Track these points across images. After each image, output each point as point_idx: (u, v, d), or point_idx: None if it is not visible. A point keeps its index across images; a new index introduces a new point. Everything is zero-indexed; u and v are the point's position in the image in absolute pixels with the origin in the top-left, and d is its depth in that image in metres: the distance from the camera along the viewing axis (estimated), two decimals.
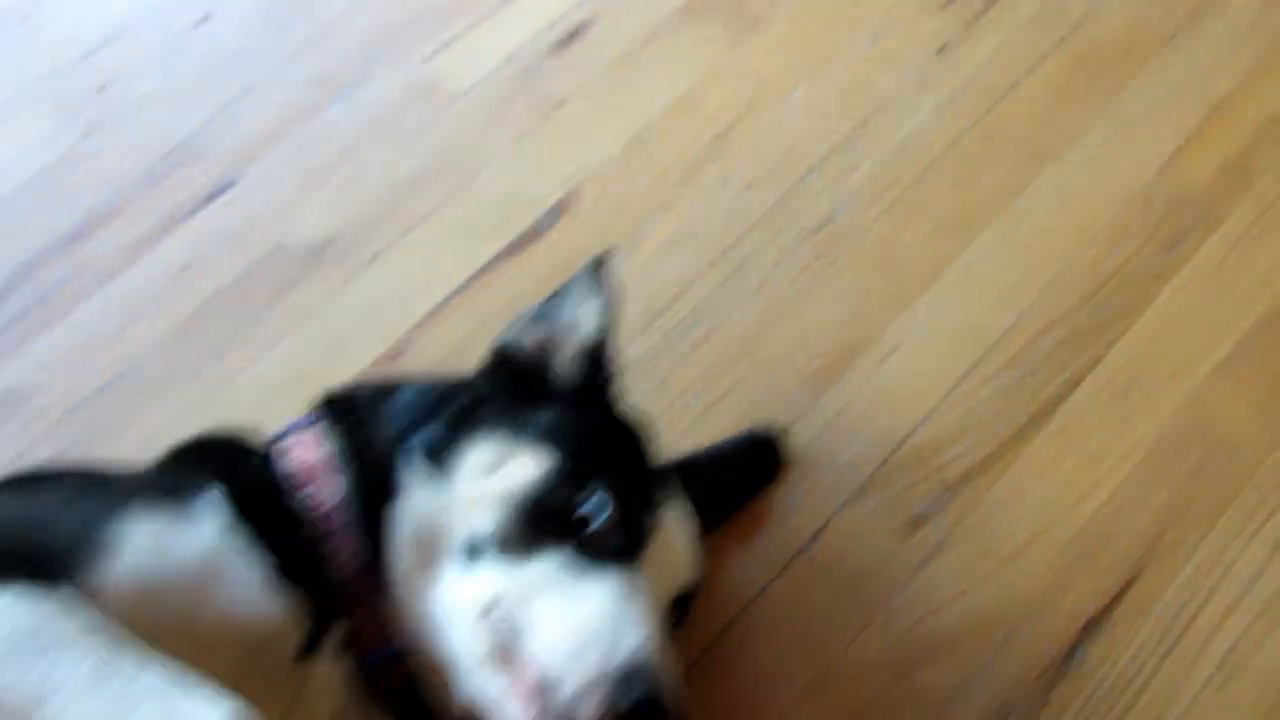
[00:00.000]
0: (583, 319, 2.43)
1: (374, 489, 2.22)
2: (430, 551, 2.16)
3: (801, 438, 2.85)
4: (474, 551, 2.13)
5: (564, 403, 2.34)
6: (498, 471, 2.18)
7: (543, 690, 2.00)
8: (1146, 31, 3.49)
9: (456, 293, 3.04)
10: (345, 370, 2.81)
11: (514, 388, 2.37)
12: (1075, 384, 2.93)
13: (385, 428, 2.31)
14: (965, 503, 2.78)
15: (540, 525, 2.12)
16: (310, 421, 2.34)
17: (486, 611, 2.08)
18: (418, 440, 2.25)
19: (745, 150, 3.31)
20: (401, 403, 2.36)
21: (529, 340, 2.43)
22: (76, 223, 3.14)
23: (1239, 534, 2.76)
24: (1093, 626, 2.64)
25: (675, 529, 2.28)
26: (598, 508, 2.13)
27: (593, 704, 1.97)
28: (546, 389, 2.39)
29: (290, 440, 2.29)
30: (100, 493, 2.08)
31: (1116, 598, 2.67)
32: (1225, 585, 2.70)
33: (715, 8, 3.54)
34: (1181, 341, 3.01)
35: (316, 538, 2.17)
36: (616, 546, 2.13)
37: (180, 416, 2.79)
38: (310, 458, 2.25)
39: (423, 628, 2.15)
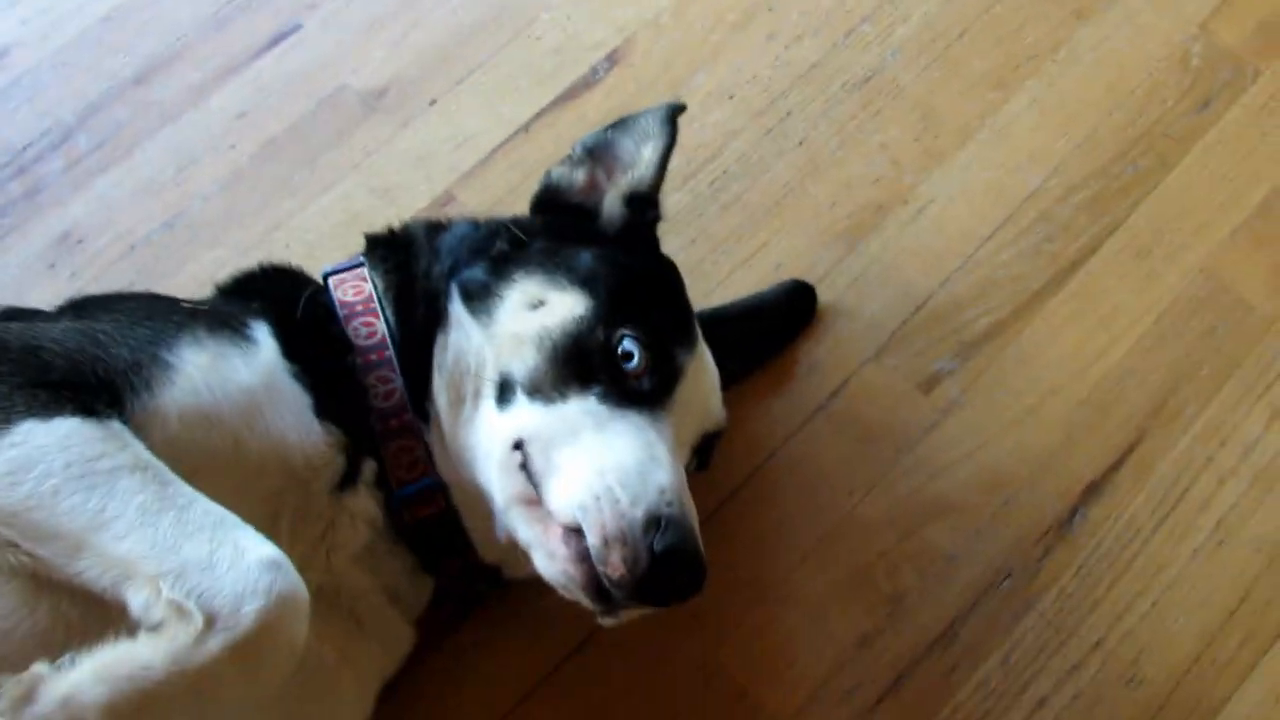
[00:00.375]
0: (640, 159, 2.40)
1: (419, 325, 2.24)
2: (466, 388, 2.17)
3: (829, 293, 2.83)
4: (505, 392, 2.13)
5: (607, 244, 2.32)
6: (534, 312, 2.17)
7: (573, 536, 2.01)
8: None
9: (506, 142, 3.02)
10: (392, 216, 2.71)
11: (560, 227, 2.36)
12: (1096, 246, 2.90)
13: (434, 263, 2.31)
14: (981, 362, 2.77)
15: (570, 367, 2.11)
16: (362, 258, 2.35)
17: (516, 451, 2.08)
18: (461, 278, 2.25)
19: (795, 1, 3.24)
20: (450, 239, 2.35)
21: (580, 178, 2.41)
22: (140, 66, 3.10)
23: (1240, 402, 2.75)
24: (1094, 490, 2.65)
25: (702, 374, 2.27)
26: (628, 351, 2.11)
27: (621, 553, 1.97)
28: (592, 229, 2.37)
29: (342, 275, 2.29)
30: (158, 319, 2.08)
31: (1119, 461, 2.68)
32: (1222, 454, 2.69)
33: None
34: (1204, 203, 2.97)
35: (360, 369, 2.18)
36: (645, 390, 2.12)
37: (235, 259, 2.76)
38: (359, 292, 2.26)
39: (460, 463, 2.17)
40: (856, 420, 2.71)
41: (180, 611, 1.73)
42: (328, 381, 2.14)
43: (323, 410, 2.11)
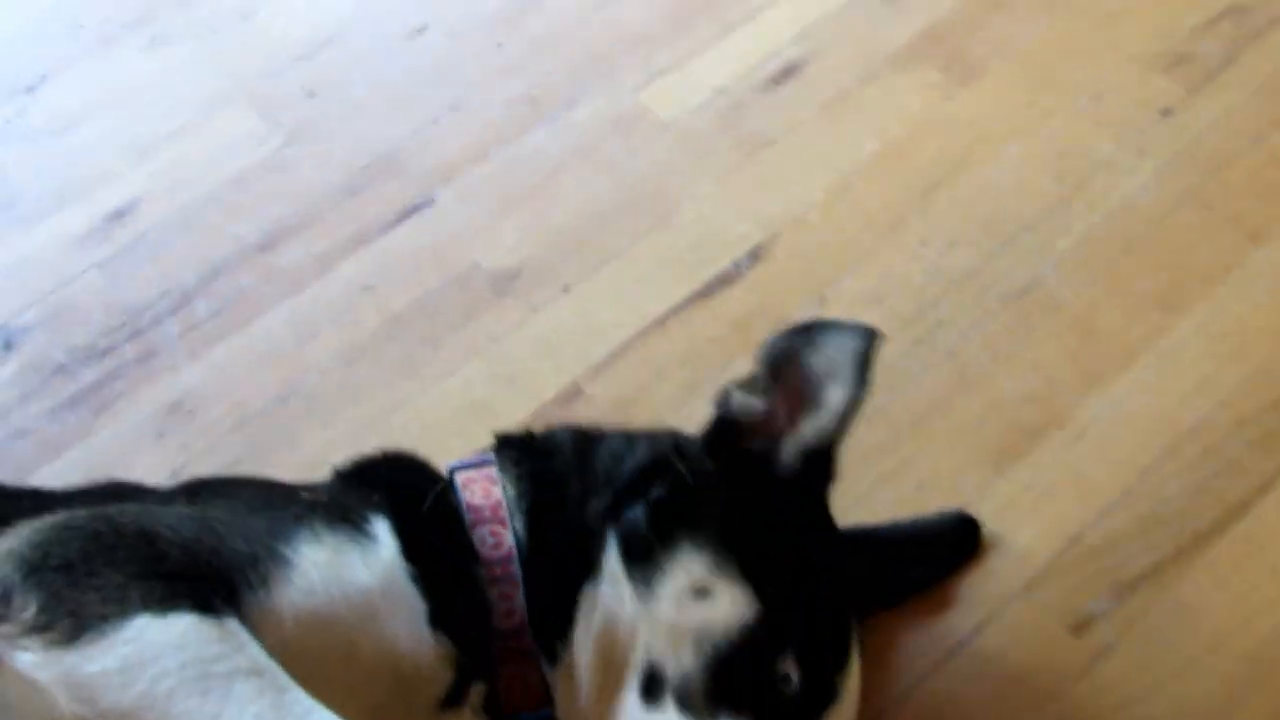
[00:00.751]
0: (827, 403, 2.07)
1: (558, 553, 2.07)
2: (613, 660, 2.00)
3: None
4: (653, 687, 1.95)
5: (780, 511, 2.09)
6: (696, 602, 1.97)
7: None
8: None
9: (639, 335, 2.86)
10: (516, 405, 2.68)
11: (732, 479, 2.10)
12: (1267, 487, 2.65)
13: (589, 494, 2.12)
14: (1138, 605, 2.52)
15: (725, 683, 1.92)
16: (492, 458, 2.18)
17: None
18: (623, 529, 2.05)
19: (951, 206, 3.08)
20: (606, 461, 2.16)
21: (758, 407, 2.10)
22: (268, 230, 3.04)
23: None
24: None
25: (849, 696, 2.07)
26: (787, 678, 1.94)
27: None
28: (766, 485, 2.11)
29: (469, 474, 2.13)
30: (276, 510, 1.97)
31: None
32: None
33: (936, 52, 3.33)
34: None
35: (483, 582, 2.03)
36: None
37: (347, 439, 2.65)
38: (489, 496, 2.09)
39: None
40: (1002, 660, 2.48)
41: None
42: (446, 588, 2.00)
43: (437, 620, 1.97)
